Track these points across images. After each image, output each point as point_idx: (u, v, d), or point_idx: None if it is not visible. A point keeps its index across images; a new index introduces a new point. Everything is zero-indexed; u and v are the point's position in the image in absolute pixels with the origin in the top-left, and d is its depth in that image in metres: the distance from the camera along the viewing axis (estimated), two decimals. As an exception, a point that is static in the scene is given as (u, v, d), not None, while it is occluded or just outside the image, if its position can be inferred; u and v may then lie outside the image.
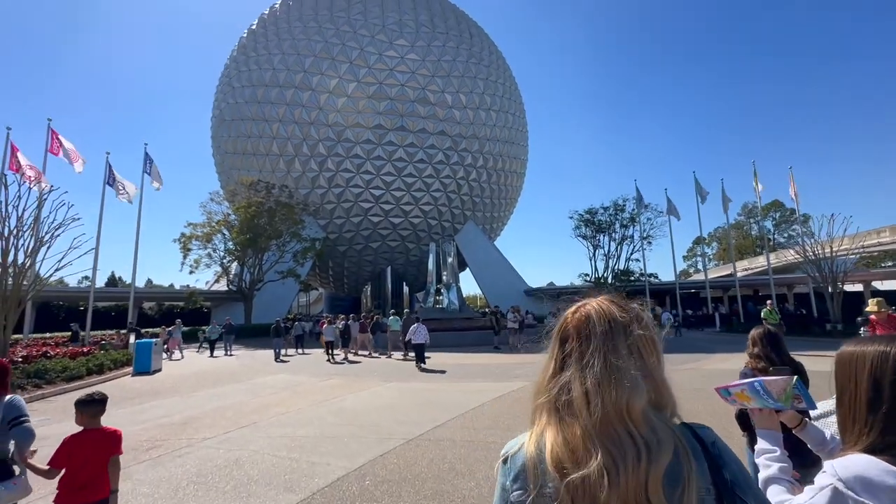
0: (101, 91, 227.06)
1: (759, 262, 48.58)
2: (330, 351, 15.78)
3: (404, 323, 16.43)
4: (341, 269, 49.21)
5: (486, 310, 45.73)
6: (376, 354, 17.06)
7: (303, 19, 44.45)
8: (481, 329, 20.09)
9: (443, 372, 11.81)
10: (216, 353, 18.73)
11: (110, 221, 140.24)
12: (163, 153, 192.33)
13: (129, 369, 13.07)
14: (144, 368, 12.82)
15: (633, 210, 39.22)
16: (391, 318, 17.42)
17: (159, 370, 13.52)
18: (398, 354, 15.96)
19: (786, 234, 73.01)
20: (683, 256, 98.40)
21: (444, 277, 25.09)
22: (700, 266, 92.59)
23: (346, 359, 15.54)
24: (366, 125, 41.82)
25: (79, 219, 13.19)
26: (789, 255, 43.24)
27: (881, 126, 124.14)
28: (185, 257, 31.38)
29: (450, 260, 25.75)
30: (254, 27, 48.08)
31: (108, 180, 21.87)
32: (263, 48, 44.63)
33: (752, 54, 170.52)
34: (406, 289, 52.75)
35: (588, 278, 39.92)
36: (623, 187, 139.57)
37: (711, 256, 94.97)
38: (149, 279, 79.59)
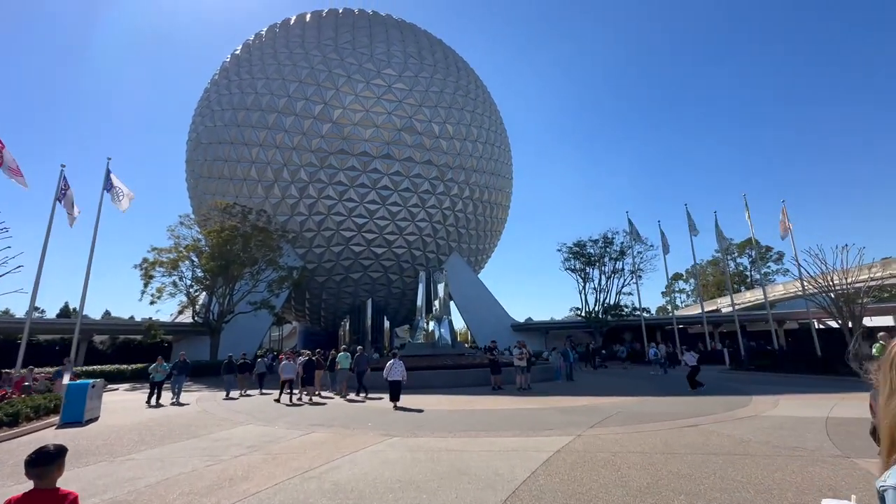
0: (68, 114, 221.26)
1: (746, 298, 48.48)
2: (289, 391, 14.34)
3: (357, 360, 15.29)
4: (319, 301, 46.49)
5: (472, 344, 43.58)
6: (329, 394, 15.81)
7: (289, 45, 43.86)
8: (478, 367, 18.06)
9: (420, 411, 10.81)
10: (166, 398, 14.36)
11: (66, 248, 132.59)
12: (133, 180, 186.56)
13: (56, 418, 10.48)
14: (75, 418, 10.22)
15: (623, 243, 38.76)
16: (340, 354, 16.17)
17: (95, 419, 10.90)
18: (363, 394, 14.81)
19: (762, 272, 74.22)
20: (662, 293, 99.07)
21: (434, 310, 23.16)
22: (678, 302, 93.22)
23: (309, 399, 14.24)
24: (350, 152, 40.62)
25: (5, 230, 10.86)
26: (777, 290, 43.29)
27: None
28: (146, 285, 28.38)
29: (440, 291, 23.91)
30: (238, 52, 47.20)
31: (59, 195, 19.46)
32: (247, 72, 43.57)
33: (743, 83, 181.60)
34: (387, 323, 50.23)
35: (579, 312, 38.63)
36: (605, 222, 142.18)
37: (689, 293, 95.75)
38: (107, 310, 73.94)
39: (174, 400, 14.19)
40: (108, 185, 21.76)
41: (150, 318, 33.26)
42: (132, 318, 54.22)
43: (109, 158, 21.92)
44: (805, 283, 23.81)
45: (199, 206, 42.12)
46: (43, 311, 71.99)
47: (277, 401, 13.87)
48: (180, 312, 32.57)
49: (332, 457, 6.30)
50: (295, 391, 14.62)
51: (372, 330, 45.72)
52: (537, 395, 13.29)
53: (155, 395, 14.10)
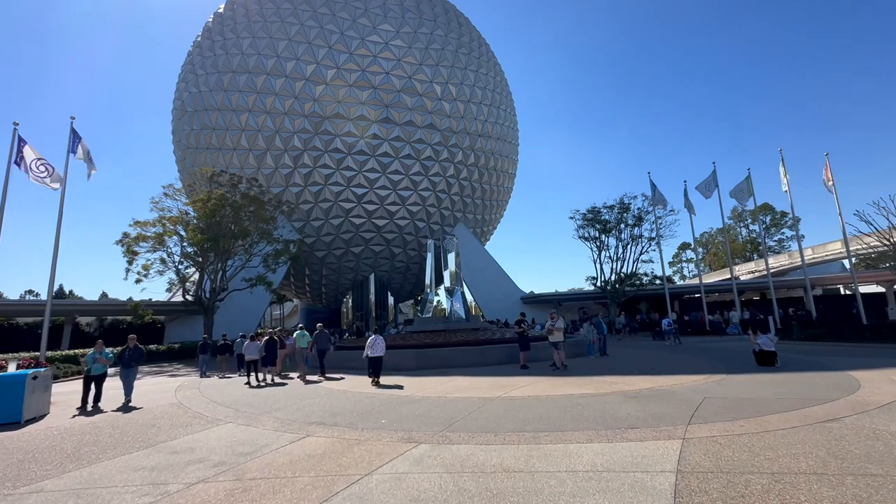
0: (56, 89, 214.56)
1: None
2: (253, 372, 13.86)
3: (316, 338, 14.86)
4: (319, 278, 44.43)
5: (481, 318, 41.71)
6: (293, 375, 14.75)
7: (275, 0, 40.23)
8: (501, 343, 16.01)
9: (401, 388, 10.44)
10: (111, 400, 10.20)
11: (63, 228, 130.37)
12: (130, 155, 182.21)
13: (-13, 419, 8.39)
14: (11, 418, 8.07)
15: (641, 208, 36.29)
16: (297, 332, 15.78)
17: (41, 417, 8.81)
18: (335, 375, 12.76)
19: (776, 238, 71.82)
20: (669, 262, 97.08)
21: (445, 281, 20.99)
22: (686, 272, 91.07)
23: (266, 380, 13.58)
24: (346, 116, 37.71)
25: None
26: (805, 255, 40.98)
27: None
28: (130, 263, 26.13)
29: (451, 260, 21.68)
30: (221, 10, 43.52)
31: (15, 158, 16.99)
32: (231, 31, 40.15)
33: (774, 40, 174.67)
34: (391, 299, 48.37)
35: (595, 281, 36.55)
36: (611, 194, 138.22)
37: (698, 262, 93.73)
38: (103, 292, 72.19)
39: (124, 401, 10.08)
40: (74, 147, 19.23)
41: (151, 300, 31.25)
42: (130, 299, 52.36)
43: (73, 117, 19.31)
44: (852, 242, 21.48)
45: (188, 180, 39.58)
46: (37, 294, 70.35)
47: (247, 384, 13.00)
48: (169, 290, 30.45)
49: (333, 488, 4.12)
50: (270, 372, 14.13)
51: (376, 306, 43.92)
52: (578, 375, 11.17)
53: (91, 396, 9.83)
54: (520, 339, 13.25)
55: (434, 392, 9.52)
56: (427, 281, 21.99)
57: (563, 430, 5.77)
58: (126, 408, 9.63)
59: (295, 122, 37.31)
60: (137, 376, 17.30)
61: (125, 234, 25.51)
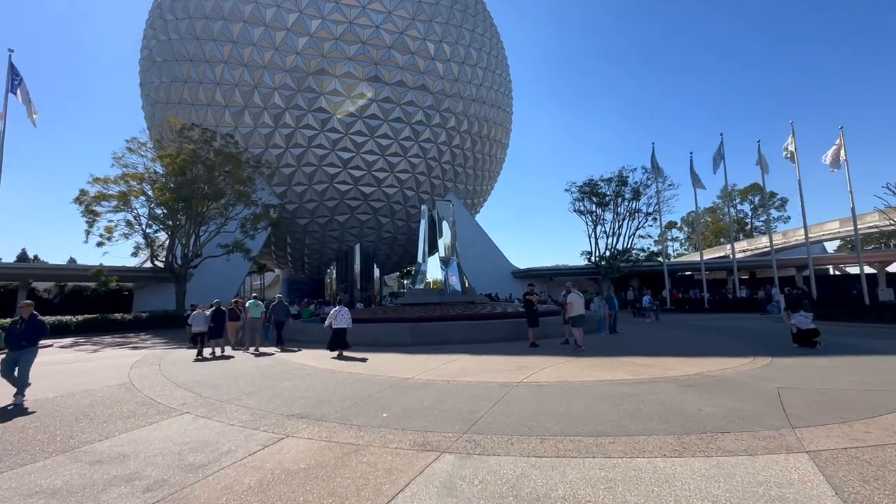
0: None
1: (762, 242, 45.90)
2: (200, 344, 12.79)
3: (273, 309, 14.49)
4: (301, 247, 42.33)
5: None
6: (267, 349, 13.63)
7: (254, -61, 36.32)
8: (505, 318, 14.66)
9: (364, 360, 10.30)
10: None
11: (30, 189, 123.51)
12: (105, 114, 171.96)
13: None
14: None
15: (639, 181, 35.02)
16: (250, 301, 15.35)
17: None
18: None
19: (762, 219, 72.10)
20: (654, 241, 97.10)
21: (441, 250, 19.41)
22: (671, 250, 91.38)
23: (213, 353, 12.66)
24: (332, 73, 34.87)
25: None
26: (798, 235, 40.72)
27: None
28: (90, 225, 23.72)
29: (446, 228, 20.03)
30: (192, -52, 39.22)
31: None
32: (204, -29, 36.25)
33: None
34: (377, 271, 46.68)
35: (589, 257, 35.50)
36: (607, 164, 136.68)
37: (683, 241, 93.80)
38: (71, 258, 68.38)
39: (17, 397, 6.60)
40: (13, 85, 16.58)
41: (124, 265, 28.88)
42: (101, 265, 49.39)
43: (11, 50, 16.59)
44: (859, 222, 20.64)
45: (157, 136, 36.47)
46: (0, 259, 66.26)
47: (197, 358, 11.85)
48: (134, 255, 28.08)
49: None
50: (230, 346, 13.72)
51: (361, 277, 42.25)
52: (600, 356, 9.84)
53: None
54: (528, 313, 11.85)
55: (440, 374, 8.05)
56: (420, 250, 20.36)
57: (630, 434, 4.33)
58: (19, 408, 6.43)
59: (275, 77, 34.34)
60: (95, 349, 15.68)
61: (83, 192, 22.97)
